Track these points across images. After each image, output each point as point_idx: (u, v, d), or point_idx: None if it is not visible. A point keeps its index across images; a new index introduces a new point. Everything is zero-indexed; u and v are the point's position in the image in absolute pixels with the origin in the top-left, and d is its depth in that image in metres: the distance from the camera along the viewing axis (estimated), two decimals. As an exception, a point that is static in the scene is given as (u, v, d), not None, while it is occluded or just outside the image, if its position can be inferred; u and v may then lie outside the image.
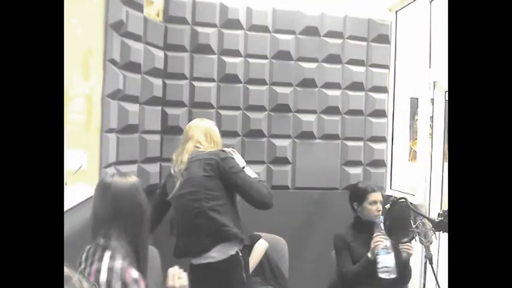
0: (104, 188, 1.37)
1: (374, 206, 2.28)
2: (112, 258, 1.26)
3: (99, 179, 1.42)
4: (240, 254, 1.96)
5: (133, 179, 1.43)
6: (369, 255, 2.13)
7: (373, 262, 2.11)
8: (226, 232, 1.92)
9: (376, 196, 2.31)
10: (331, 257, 2.44)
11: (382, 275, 2.07)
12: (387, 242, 2.10)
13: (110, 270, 1.24)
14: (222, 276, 1.92)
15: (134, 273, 1.26)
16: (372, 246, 2.13)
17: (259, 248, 2.27)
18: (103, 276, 1.23)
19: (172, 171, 2.07)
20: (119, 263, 1.26)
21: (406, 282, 2.29)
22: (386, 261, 2.09)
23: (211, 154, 2.02)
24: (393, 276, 2.07)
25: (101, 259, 1.26)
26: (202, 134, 2.14)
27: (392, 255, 2.10)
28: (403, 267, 2.20)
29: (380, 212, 2.24)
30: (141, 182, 1.48)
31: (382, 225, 2.10)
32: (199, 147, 2.09)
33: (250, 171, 2.02)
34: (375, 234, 2.14)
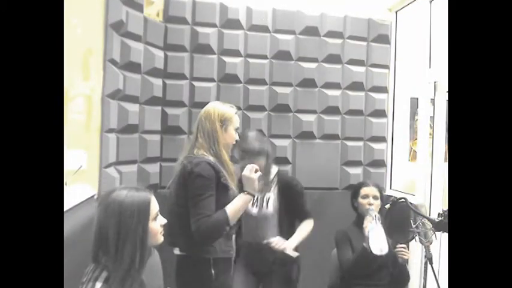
0: (113, 204, 1.25)
1: (365, 199, 2.29)
2: (106, 281, 1.21)
3: (107, 193, 1.29)
4: None
5: (143, 194, 1.30)
6: (364, 244, 2.11)
7: (369, 250, 2.07)
8: None
9: (367, 190, 2.32)
10: (331, 257, 2.44)
11: (374, 251, 2.04)
12: (377, 224, 2.09)
13: None
14: None
15: None
16: (365, 233, 2.09)
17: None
18: None
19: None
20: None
21: (405, 284, 2.29)
22: (376, 236, 2.06)
23: None
24: (385, 252, 2.02)
25: (96, 279, 1.22)
26: None
27: (382, 231, 2.07)
28: (401, 270, 2.20)
29: (372, 206, 2.24)
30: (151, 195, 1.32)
31: (374, 217, 2.08)
32: None
33: None
34: (366, 221, 2.12)
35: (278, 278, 2.24)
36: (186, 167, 1.77)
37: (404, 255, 2.17)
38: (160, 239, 1.34)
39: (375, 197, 2.30)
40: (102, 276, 1.21)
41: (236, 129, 1.95)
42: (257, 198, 2.21)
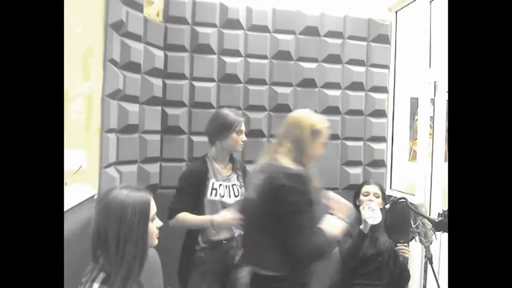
0: (113, 203, 1.24)
1: (366, 197, 2.34)
2: (104, 282, 1.20)
3: (106, 193, 1.28)
4: None
5: (144, 194, 1.29)
6: (361, 226, 2.17)
7: (365, 234, 2.18)
8: None
9: (369, 188, 2.38)
10: (331, 257, 2.44)
11: (369, 221, 2.14)
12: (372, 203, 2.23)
13: None
14: None
15: None
16: (362, 215, 2.19)
17: None
18: None
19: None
20: None
21: (405, 283, 2.29)
22: (370, 210, 2.16)
23: None
24: (377, 221, 2.13)
25: (94, 280, 1.21)
26: None
27: (377, 207, 2.19)
28: (401, 269, 2.21)
29: (372, 202, 2.28)
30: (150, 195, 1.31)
31: (370, 209, 2.17)
32: None
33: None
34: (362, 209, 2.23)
35: None
36: (275, 179, 1.61)
37: (404, 253, 2.19)
38: (156, 240, 1.32)
39: (376, 195, 2.34)
40: (99, 277, 1.21)
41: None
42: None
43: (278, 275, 1.63)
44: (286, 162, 1.68)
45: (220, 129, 2.15)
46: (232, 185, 2.21)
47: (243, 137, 2.20)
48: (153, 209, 1.30)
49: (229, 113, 2.18)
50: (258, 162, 1.82)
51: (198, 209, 2.11)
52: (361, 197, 2.37)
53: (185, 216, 2.08)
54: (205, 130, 2.27)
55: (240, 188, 2.24)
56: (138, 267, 1.25)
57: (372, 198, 2.32)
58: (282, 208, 1.58)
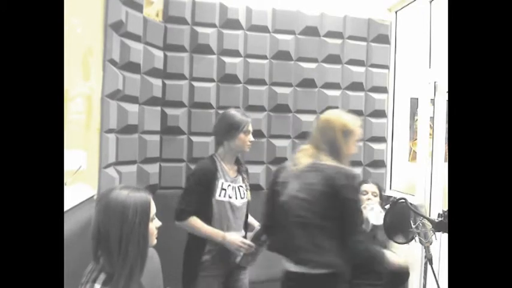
0: (114, 203, 1.24)
1: (365, 196, 2.30)
2: (105, 283, 1.20)
3: (105, 193, 1.28)
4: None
5: (144, 195, 1.29)
6: (363, 225, 2.11)
7: (366, 222, 2.11)
8: None
9: (367, 187, 2.35)
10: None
11: (371, 220, 2.09)
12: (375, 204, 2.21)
13: None
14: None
15: None
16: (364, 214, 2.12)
17: None
18: None
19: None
20: None
21: (404, 282, 2.26)
22: (373, 211, 2.12)
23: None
24: (381, 221, 2.02)
25: (94, 280, 1.21)
26: None
27: (379, 207, 2.15)
28: (400, 268, 2.19)
29: (370, 201, 2.26)
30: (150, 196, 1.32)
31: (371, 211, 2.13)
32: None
33: None
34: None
35: None
36: (335, 179, 1.68)
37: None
38: (155, 240, 1.32)
39: (374, 194, 2.33)
40: (100, 278, 1.21)
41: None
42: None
43: (330, 273, 1.69)
44: (333, 162, 1.75)
45: (227, 129, 2.14)
46: (238, 187, 2.20)
47: (251, 137, 2.19)
48: (153, 209, 1.30)
49: (236, 114, 2.17)
50: (295, 163, 1.82)
51: (207, 209, 2.09)
52: (361, 197, 2.36)
53: (196, 224, 2.06)
54: (212, 130, 2.28)
55: (246, 190, 2.24)
56: (140, 267, 1.24)
57: (370, 197, 2.30)
58: (343, 207, 1.67)
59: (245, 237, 2.20)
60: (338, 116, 1.85)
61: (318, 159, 1.77)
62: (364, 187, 2.36)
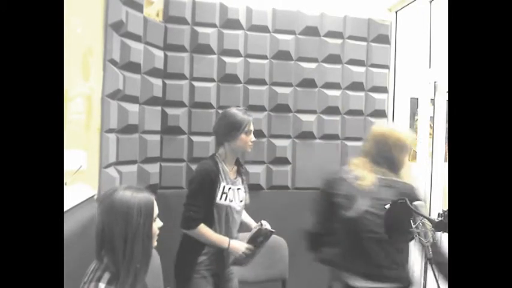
0: (118, 204, 1.25)
1: None
2: (109, 282, 1.21)
3: (109, 194, 1.29)
4: None
5: (147, 195, 1.30)
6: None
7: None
8: None
9: None
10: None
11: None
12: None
13: None
14: None
15: None
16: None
17: None
18: None
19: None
20: None
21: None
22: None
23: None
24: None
25: (99, 280, 1.22)
26: None
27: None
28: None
29: None
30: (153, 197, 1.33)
31: None
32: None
33: None
34: None
35: None
36: (410, 195, 1.69)
37: None
38: (155, 242, 1.33)
39: None
40: (105, 277, 1.21)
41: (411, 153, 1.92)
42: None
43: (398, 287, 1.77)
44: (397, 178, 1.80)
45: (228, 129, 2.08)
46: (238, 189, 2.16)
47: (252, 137, 2.14)
48: (156, 209, 1.31)
49: (237, 112, 2.11)
50: (359, 178, 1.84)
51: (209, 214, 2.06)
52: None
53: (206, 232, 2.03)
54: (213, 130, 2.24)
55: (245, 193, 2.21)
56: (145, 267, 1.26)
57: None
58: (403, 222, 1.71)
59: (237, 237, 2.18)
60: (393, 131, 1.87)
61: (382, 175, 1.80)
62: None
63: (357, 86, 3.27)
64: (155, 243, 1.33)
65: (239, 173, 2.21)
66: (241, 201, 2.17)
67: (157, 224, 1.33)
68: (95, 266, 1.26)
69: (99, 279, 1.21)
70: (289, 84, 3.18)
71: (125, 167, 2.59)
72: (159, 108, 2.92)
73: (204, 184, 2.05)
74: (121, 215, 1.23)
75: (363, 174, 1.83)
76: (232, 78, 3.07)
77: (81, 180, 2.02)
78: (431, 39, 2.93)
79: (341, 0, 3.27)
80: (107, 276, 1.22)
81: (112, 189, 1.30)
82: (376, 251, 1.76)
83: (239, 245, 2.08)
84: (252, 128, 2.14)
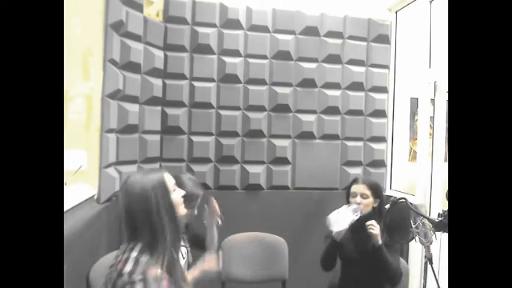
0: (130, 187, 1.38)
1: (354, 198, 2.15)
2: (141, 251, 1.30)
3: (125, 181, 1.42)
4: None
5: (158, 173, 1.43)
6: (333, 233, 2.06)
7: (335, 241, 2.09)
8: None
9: (355, 188, 2.17)
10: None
11: (328, 219, 2.00)
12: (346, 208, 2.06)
13: (136, 261, 1.27)
14: None
15: (158, 272, 1.28)
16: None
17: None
18: (128, 266, 1.26)
19: None
20: (145, 258, 1.29)
21: (393, 283, 2.12)
22: (342, 210, 2.04)
23: None
24: (335, 229, 1.98)
25: (131, 250, 1.31)
26: None
27: (350, 211, 2.02)
28: (386, 266, 2.04)
29: (360, 205, 2.10)
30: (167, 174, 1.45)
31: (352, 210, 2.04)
32: None
33: None
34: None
35: None
36: None
37: (372, 229, 2.01)
38: (183, 210, 1.47)
39: (363, 196, 2.14)
40: (137, 248, 1.31)
41: None
42: None
43: None
44: None
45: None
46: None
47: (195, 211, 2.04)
48: (171, 180, 1.44)
49: (188, 183, 2.01)
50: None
51: None
52: (350, 199, 2.17)
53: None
54: None
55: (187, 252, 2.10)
56: (175, 234, 1.37)
57: (358, 200, 2.12)
58: None
59: None
60: None
61: None
62: (353, 188, 2.19)
63: (357, 86, 3.27)
64: (183, 211, 1.47)
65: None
66: (183, 258, 2.04)
67: (178, 193, 1.45)
68: (125, 245, 1.35)
69: (131, 250, 1.31)
70: (289, 84, 3.18)
71: (125, 167, 2.59)
72: (159, 108, 2.92)
73: None
74: (138, 196, 1.34)
75: None
76: (232, 78, 3.07)
77: (81, 180, 2.02)
78: (431, 39, 2.92)
79: (341, 0, 3.27)
80: (139, 246, 1.31)
81: (127, 177, 1.42)
82: None
83: None
84: (197, 202, 2.05)
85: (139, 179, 1.38)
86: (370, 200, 2.16)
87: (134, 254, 1.29)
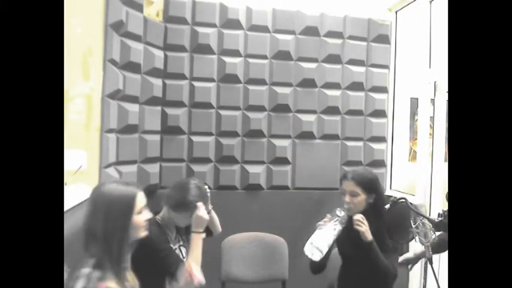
0: (99, 195, 1.34)
1: (343, 197, 1.95)
2: (93, 267, 1.25)
3: (97, 186, 1.38)
4: None
5: (131, 189, 1.37)
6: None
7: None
8: None
9: (344, 185, 1.96)
10: (330, 257, 2.43)
11: (306, 248, 1.83)
12: (335, 225, 1.87)
13: (88, 279, 1.23)
14: None
15: (109, 284, 1.25)
16: (318, 223, 1.91)
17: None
18: (79, 284, 1.22)
19: None
20: (97, 274, 1.25)
21: (384, 284, 1.98)
22: (318, 236, 1.85)
23: None
24: (316, 258, 1.81)
25: (83, 265, 1.26)
26: None
27: (330, 236, 1.84)
28: (376, 265, 1.87)
29: (345, 206, 1.91)
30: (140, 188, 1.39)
31: (338, 214, 1.88)
32: None
33: None
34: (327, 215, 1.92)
35: None
36: None
37: (359, 225, 1.84)
38: (142, 233, 1.39)
39: (352, 193, 1.91)
40: (89, 263, 1.26)
41: None
42: None
43: None
44: None
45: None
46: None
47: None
48: (141, 202, 1.36)
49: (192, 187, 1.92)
50: None
51: None
52: (343, 196, 1.97)
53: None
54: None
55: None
56: (123, 257, 1.31)
57: (347, 199, 1.92)
58: None
59: None
60: None
61: None
62: (342, 185, 1.97)
63: (357, 86, 3.27)
64: (142, 234, 1.39)
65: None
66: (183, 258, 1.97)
67: (144, 215, 1.38)
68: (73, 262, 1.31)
69: (83, 266, 1.26)
70: (289, 84, 3.18)
71: (125, 167, 2.59)
72: (159, 108, 2.92)
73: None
74: (102, 205, 1.31)
75: None
76: (232, 78, 3.07)
77: (81, 180, 2.02)
78: (431, 39, 2.93)
79: (341, 0, 3.27)
80: (91, 261, 1.27)
81: (101, 183, 1.39)
82: None
83: None
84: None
85: (111, 189, 1.34)
86: (362, 197, 1.93)
87: (86, 270, 1.24)
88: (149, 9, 2.84)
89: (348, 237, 1.94)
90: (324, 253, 1.82)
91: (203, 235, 1.83)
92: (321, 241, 1.83)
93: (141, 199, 1.36)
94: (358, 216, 1.86)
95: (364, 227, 1.84)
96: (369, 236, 1.85)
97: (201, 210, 1.83)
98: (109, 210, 1.30)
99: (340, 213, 1.87)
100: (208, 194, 1.99)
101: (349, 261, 2.07)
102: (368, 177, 1.97)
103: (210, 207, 1.98)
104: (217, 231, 2.15)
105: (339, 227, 1.85)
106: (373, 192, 1.95)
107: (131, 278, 1.41)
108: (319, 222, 1.90)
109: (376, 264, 1.86)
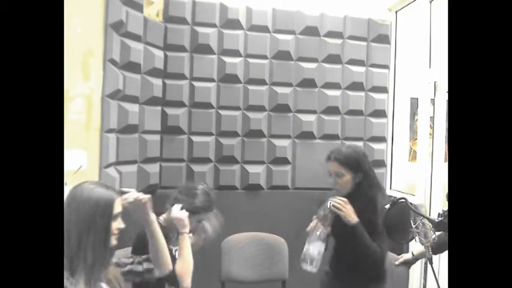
0: (77, 194, 1.28)
1: (330, 177, 1.91)
2: (69, 271, 1.20)
3: (75, 186, 1.33)
4: None
5: (109, 193, 1.31)
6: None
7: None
8: None
9: (329, 166, 1.92)
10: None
11: (303, 265, 1.82)
12: (322, 231, 1.83)
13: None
14: None
15: None
16: (307, 229, 1.87)
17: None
18: None
19: None
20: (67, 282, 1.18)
21: (378, 281, 1.96)
22: (310, 249, 1.83)
23: None
24: (315, 270, 1.81)
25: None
26: None
27: (320, 244, 1.82)
28: (361, 248, 1.82)
29: (330, 199, 1.86)
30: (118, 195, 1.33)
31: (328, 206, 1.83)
32: None
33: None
34: (314, 218, 1.86)
35: None
36: None
37: (338, 208, 1.79)
38: (114, 241, 1.30)
39: (338, 174, 1.88)
40: (67, 265, 1.19)
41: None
42: None
43: None
44: None
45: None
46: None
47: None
48: (118, 208, 1.31)
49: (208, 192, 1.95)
50: None
51: None
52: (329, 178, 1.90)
53: None
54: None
55: None
56: (99, 264, 1.24)
57: (333, 180, 1.88)
58: None
59: None
60: None
61: None
62: (327, 166, 1.91)
63: (357, 86, 3.27)
64: (113, 243, 1.31)
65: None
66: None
67: (117, 224, 1.31)
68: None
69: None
70: (289, 84, 3.18)
71: (125, 167, 2.59)
72: (159, 108, 2.92)
73: None
74: (80, 204, 1.24)
75: None
76: (232, 78, 3.07)
77: (81, 180, 2.01)
78: (431, 39, 2.93)
79: (341, 0, 3.27)
80: (68, 264, 1.20)
81: (80, 183, 1.31)
82: None
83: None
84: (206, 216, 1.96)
85: (90, 189, 1.29)
86: (348, 177, 1.87)
87: (65, 278, 1.16)
88: (149, 9, 2.84)
89: (336, 220, 1.88)
90: (320, 262, 1.84)
91: (190, 234, 1.82)
92: (313, 253, 1.84)
93: (118, 205, 1.31)
94: (337, 200, 1.82)
95: (344, 210, 1.79)
96: (353, 219, 1.79)
97: (174, 211, 1.77)
98: (86, 212, 1.23)
99: (327, 207, 1.84)
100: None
101: (339, 243, 2.03)
102: (352, 155, 1.89)
103: (207, 219, 1.94)
104: (198, 245, 1.98)
105: (323, 234, 1.85)
106: (359, 171, 1.88)
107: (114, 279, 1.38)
108: (307, 229, 1.89)
109: (363, 247, 1.80)
